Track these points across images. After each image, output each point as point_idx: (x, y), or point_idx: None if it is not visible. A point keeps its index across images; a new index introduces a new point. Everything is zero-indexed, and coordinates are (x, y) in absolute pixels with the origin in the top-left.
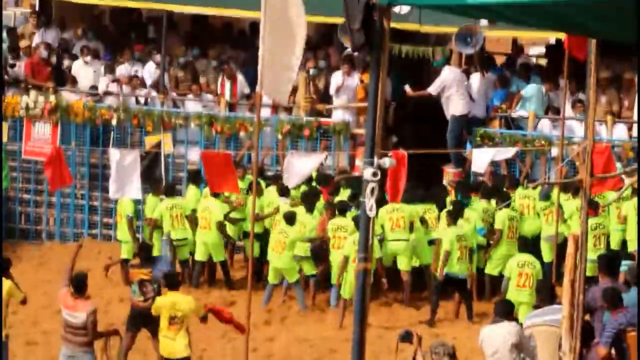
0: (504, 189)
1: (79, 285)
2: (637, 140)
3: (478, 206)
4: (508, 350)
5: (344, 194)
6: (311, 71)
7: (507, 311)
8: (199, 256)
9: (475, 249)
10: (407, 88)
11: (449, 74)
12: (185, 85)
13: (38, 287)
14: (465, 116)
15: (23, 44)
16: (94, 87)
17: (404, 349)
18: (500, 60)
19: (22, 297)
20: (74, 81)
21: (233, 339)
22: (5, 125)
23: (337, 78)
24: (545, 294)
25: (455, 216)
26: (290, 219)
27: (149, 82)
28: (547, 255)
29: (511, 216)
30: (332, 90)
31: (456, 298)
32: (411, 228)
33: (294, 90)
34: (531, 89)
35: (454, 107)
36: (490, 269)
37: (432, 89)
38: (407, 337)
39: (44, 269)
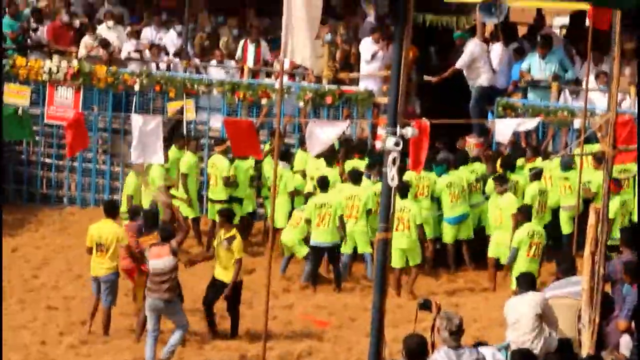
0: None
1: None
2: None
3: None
4: (531, 319)
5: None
6: (327, 37)
7: (530, 282)
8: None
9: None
10: (430, 78)
11: (475, 47)
12: (209, 53)
13: (59, 252)
14: (490, 87)
15: (42, 3)
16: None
17: (424, 318)
18: (522, 30)
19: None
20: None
21: (252, 307)
22: (28, 89)
23: (368, 45)
24: (566, 266)
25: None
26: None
27: (171, 50)
28: (567, 226)
29: (542, 189)
30: (365, 57)
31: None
32: (432, 197)
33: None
34: (529, 59)
35: (482, 78)
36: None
37: (460, 64)
38: (426, 305)
39: (65, 234)
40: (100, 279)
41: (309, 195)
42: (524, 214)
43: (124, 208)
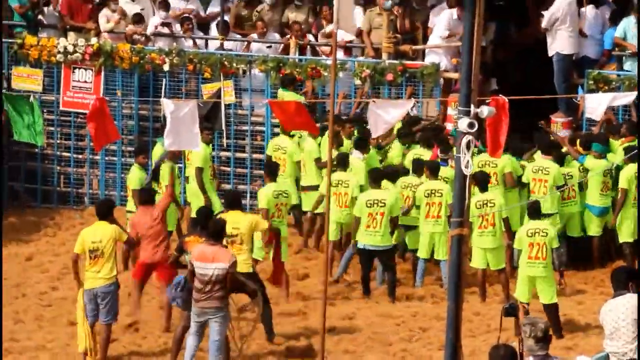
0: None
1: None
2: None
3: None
4: (632, 326)
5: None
6: (387, 3)
7: (628, 280)
8: None
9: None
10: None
11: (562, 4)
12: (249, 25)
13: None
14: (573, 56)
15: None
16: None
17: (509, 326)
18: None
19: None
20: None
21: (307, 318)
22: (40, 73)
23: (448, 19)
24: None
25: (374, 178)
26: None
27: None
28: None
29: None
30: (440, 32)
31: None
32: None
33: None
34: (624, 24)
35: (562, 43)
36: (623, 236)
37: (545, 23)
38: (512, 310)
39: None
40: (97, 290)
41: None
42: (532, 210)
43: (131, 206)
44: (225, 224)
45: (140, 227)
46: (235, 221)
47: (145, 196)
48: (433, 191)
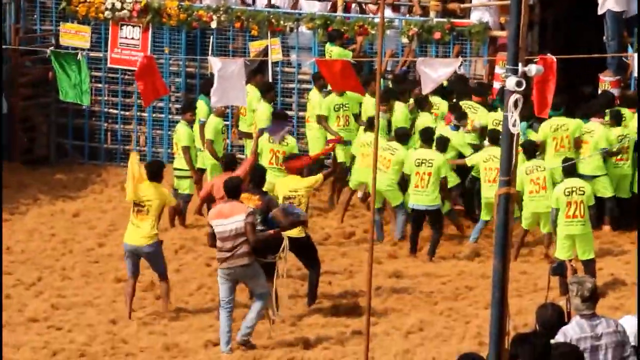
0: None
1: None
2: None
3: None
4: None
5: None
6: None
7: None
8: None
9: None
10: None
11: None
12: None
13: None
14: (624, 14)
15: None
16: None
17: (556, 285)
18: None
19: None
20: None
21: (353, 276)
22: (88, 29)
23: None
24: None
25: (425, 138)
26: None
27: None
28: None
29: None
30: None
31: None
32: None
33: None
34: None
35: (615, 1)
36: None
37: None
38: (559, 269)
39: None
40: (139, 250)
41: None
42: (566, 169)
43: (179, 163)
44: (240, 183)
45: (217, 190)
46: (294, 185)
47: (228, 162)
48: (492, 157)
